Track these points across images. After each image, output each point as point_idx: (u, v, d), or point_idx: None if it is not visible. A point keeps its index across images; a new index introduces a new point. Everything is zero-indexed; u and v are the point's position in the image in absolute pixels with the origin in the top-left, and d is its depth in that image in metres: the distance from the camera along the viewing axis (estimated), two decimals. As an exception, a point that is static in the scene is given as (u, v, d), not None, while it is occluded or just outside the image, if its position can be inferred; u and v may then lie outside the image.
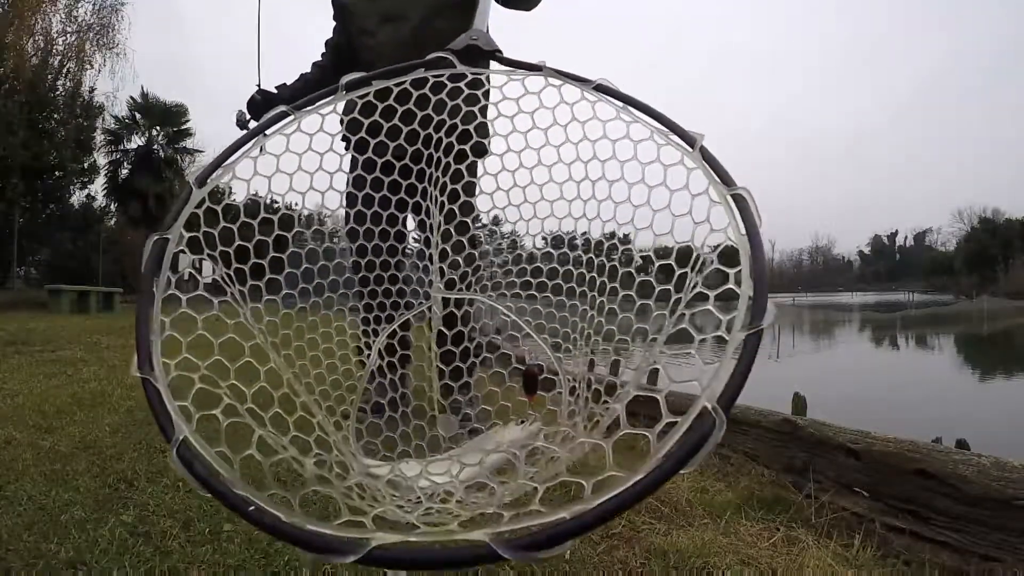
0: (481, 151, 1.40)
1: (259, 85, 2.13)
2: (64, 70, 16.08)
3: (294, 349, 1.18)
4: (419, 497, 0.88)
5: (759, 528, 1.16)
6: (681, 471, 0.43)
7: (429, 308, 1.55)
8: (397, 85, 1.07)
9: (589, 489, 0.45)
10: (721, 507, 1.26)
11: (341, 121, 1.12)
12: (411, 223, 1.73)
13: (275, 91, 2.10)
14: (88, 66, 16.10)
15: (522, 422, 1.24)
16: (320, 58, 2.19)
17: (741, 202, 0.64)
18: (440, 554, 0.44)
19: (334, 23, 2.17)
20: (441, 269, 1.52)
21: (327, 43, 2.20)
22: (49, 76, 15.65)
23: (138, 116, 22.26)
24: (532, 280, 1.47)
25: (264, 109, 1.78)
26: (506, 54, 1.14)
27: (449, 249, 1.51)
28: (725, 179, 0.68)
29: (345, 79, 0.97)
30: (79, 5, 15.63)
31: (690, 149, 0.73)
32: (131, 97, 21.60)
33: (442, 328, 1.52)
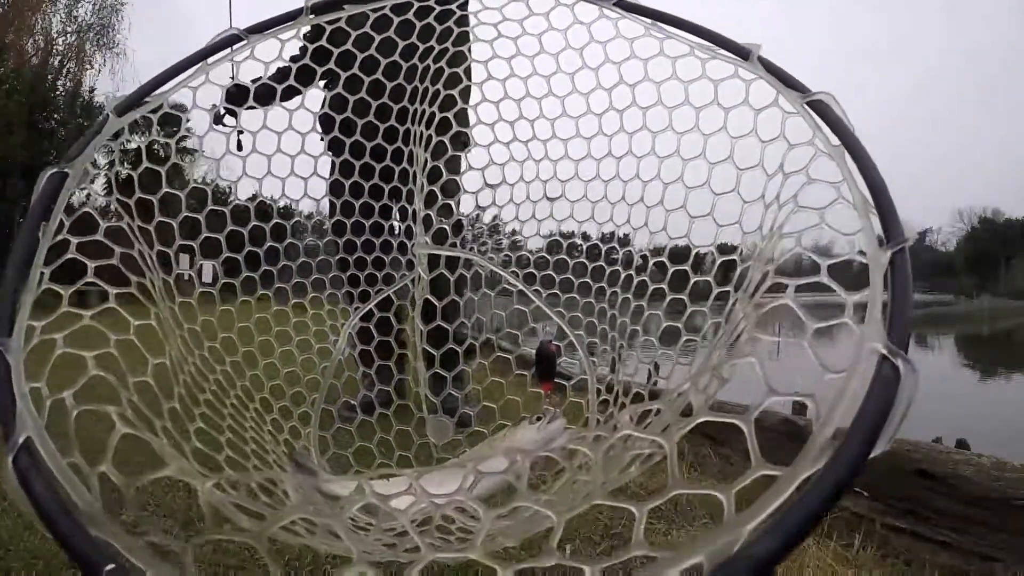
0: (468, 76, 1.18)
1: (233, 78, 2.01)
2: (64, 70, 16.09)
3: (222, 341, 1.01)
4: (400, 530, 0.62)
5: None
6: (874, 451, 0.31)
7: (415, 280, 1.19)
8: (375, 11, 0.91)
9: (729, 504, 0.35)
10: (721, 507, 1.25)
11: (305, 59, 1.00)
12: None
13: (249, 85, 1.99)
14: (88, 66, 16.14)
15: (538, 419, 0.96)
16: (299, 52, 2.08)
17: (822, 109, 0.51)
18: None
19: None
20: (428, 217, 1.17)
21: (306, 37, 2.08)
22: (49, 76, 15.65)
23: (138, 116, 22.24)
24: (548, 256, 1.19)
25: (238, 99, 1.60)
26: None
27: (438, 191, 1.18)
28: (796, 86, 0.55)
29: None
30: (79, 5, 15.68)
31: (743, 61, 0.61)
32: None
33: (430, 297, 1.16)
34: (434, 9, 0.99)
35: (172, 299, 0.86)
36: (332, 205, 1.38)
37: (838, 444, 0.32)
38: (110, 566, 0.29)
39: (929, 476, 1.21)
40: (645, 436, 0.49)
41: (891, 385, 0.32)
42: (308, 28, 0.84)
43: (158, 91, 0.68)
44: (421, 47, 1.11)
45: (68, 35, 15.88)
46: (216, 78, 0.77)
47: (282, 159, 1.12)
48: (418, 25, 1.02)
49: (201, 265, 1.06)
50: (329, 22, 0.86)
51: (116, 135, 0.64)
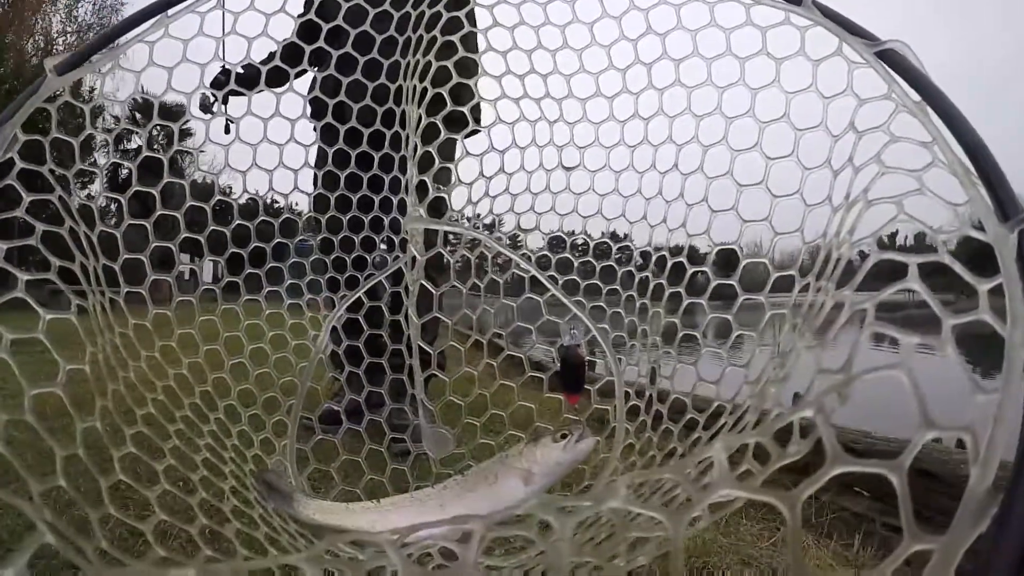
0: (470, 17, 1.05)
1: (224, 65, 1.89)
2: (64, 70, 16.09)
3: (179, 339, 0.88)
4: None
5: (759, 528, 1.16)
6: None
7: (409, 262, 1.00)
8: None
9: None
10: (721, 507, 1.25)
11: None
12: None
13: (241, 70, 1.89)
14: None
15: (563, 436, 0.77)
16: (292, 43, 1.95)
17: (896, 60, 0.42)
18: None
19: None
20: (423, 183, 1.00)
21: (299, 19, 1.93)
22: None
23: (138, 116, 22.26)
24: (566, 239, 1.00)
25: (225, 85, 1.39)
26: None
27: (435, 152, 1.03)
28: (862, 33, 0.46)
29: None
30: (79, 5, 15.67)
31: (796, 6, 0.51)
32: (132, 98, 21.60)
33: (425, 283, 0.96)
34: None
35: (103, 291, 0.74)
36: (315, 178, 1.26)
37: (1001, 497, 0.25)
38: None
39: (929, 476, 1.21)
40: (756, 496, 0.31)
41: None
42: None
43: (109, 47, 0.59)
44: (413, 14, 1.05)
45: (68, 35, 15.88)
46: (177, 32, 0.67)
47: (269, 148, 1.07)
48: None
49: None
50: None
51: (52, 97, 0.54)
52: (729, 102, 0.69)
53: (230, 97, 1.43)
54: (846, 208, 0.49)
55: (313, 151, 1.22)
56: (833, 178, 0.55)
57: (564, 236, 1.05)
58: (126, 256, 0.83)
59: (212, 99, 1.57)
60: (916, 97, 0.40)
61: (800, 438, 0.35)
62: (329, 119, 1.24)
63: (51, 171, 0.68)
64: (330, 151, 1.26)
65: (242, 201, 1.19)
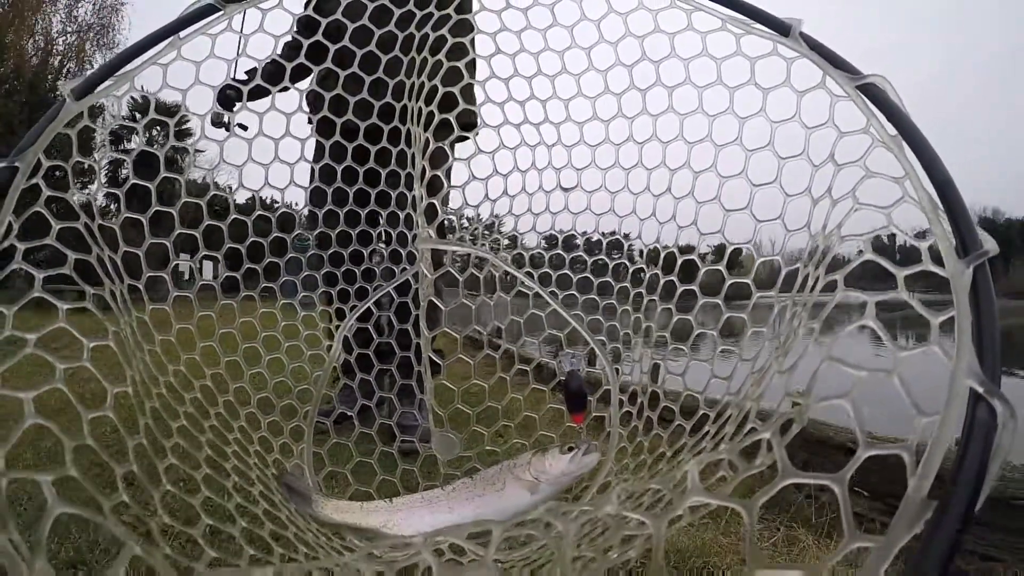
0: (473, 47, 1.08)
1: (234, 78, 1.92)
2: (64, 70, 16.09)
3: (202, 352, 0.94)
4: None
5: (759, 528, 1.16)
6: (978, 502, 0.28)
7: (415, 276, 1.09)
8: None
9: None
10: (721, 507, 1.25)
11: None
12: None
13: (245, 76, 1.89)
14: (88, 66, 16.15)
15: (570, 449, 0.83)
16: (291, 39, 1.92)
17: (876, 93, 0.45)
18: None
19: None
20: (432, 206, 1.06)
21: (298, 20, 1.90)
22: (49, 76, 15.65)
23: (138, 116, 22.26)
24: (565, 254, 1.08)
25: (233, 101, 1.48)
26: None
27: (443, 176, 1.10)
28: (845, 67, 0.49)
29: None
30: (79, 5, 15.69)
31: (783, 37, 0.54)
32: (131, 97, 21.62)
33: (434, 299, 1.07)
34: None
35: (135, 311, 0.77)
36: (312, 172, 1.28)
37: (936, 506, 0.29)
38: None
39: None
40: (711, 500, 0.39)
41: (990, 432, 0.28)
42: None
43: (123, 70, 0.61)
44: (419, 14, 1.06)
45: (68, 35, 15.93)
46: (189, 54, 0.71)
47: (265, 142, 1.07)
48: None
49: (176, 264, 1.00)
50: None
51: (72, 122, 0.56)
52: (719, 130, 0.76)
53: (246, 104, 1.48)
54: (823, 238, 0.53)
55: (310, 145, 1.20)
56: (812, 205, 0.58)
57: (557, 235, 1.13)
58: (149, 274, 0.87)
59: (222, 115, 1.62)
60: (892, 131, 0.43)
61: (767, 451, 0.40)
62: (326, 112, 1.22)
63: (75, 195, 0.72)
64: (327, 143, 1.25)
65: (241, 201, 1.19)
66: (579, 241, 1.13)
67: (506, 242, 1.16)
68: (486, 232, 1.18)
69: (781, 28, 0.54)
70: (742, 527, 1.15)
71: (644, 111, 0.87)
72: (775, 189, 0.67)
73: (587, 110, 0.95)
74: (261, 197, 1.16)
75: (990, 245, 0.35)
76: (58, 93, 0.57)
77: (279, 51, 1.16)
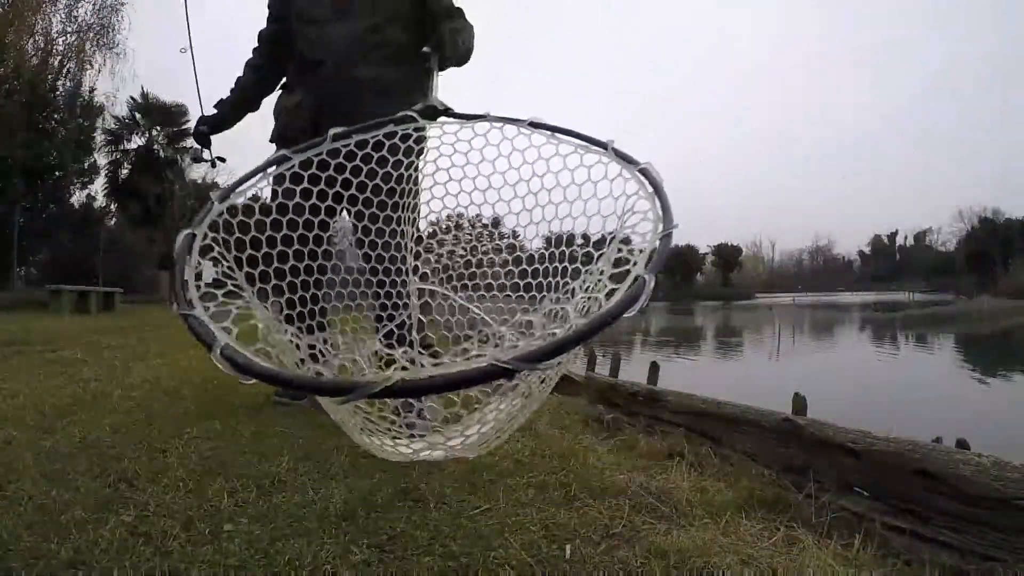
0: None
1: (203, 114, 1.99)
2: (64, 70, 16.09)
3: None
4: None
5: (759, 528, 1.16)
6: (627, 312, 0.62)
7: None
8: (373, 137, 1.19)
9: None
10: (721, 507, 1.26)
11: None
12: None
13: (214, 110, 1.96)
14: (88, 66, 16.13)
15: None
16: (253, 55, 1.96)
17: (647, 173, 0.89)
18: (455, 377, 0.54)
19: (268, 9, 1.94)
20: (416, 268, 1.56)
21: (260, 36, 1.95)
22: (49, 76, 15.66)
23: (138, 116, 22.28)
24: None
25: (209, 136, 1.96)
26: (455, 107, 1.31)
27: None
28: (632, 161, 0.94)
29: (333, 131, 1.13)
30: (79, 5, 15.63)
31: (604, 150, 0.99)
32: (131, 97, 21.62)
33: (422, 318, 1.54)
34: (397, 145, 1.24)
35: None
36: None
37: (616, 303, 0.65)
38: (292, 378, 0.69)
39: (929, 476, 1.21)
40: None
41: (642, 283, 0.64)
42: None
43: (240, 188, 1.01)
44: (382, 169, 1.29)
45: (68, 35, 15.85)
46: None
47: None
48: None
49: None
50: (344, 145, 1.16)
51: (220, 213, 0.92)
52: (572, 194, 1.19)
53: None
54: (610, 242, 1.00)
55: None
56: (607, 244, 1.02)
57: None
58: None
59: (201, 152, 1.94)
60: (650, 189, 0.87)
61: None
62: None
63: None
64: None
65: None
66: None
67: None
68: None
69: (601, 145, 1.00)
70: (741, 526, 1.16)
71: (537, 205, 1.26)
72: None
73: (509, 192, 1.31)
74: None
75: (672, 227, 0.78)
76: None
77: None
